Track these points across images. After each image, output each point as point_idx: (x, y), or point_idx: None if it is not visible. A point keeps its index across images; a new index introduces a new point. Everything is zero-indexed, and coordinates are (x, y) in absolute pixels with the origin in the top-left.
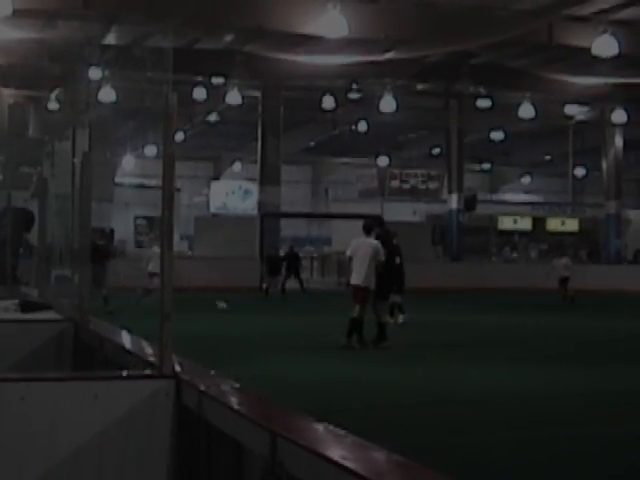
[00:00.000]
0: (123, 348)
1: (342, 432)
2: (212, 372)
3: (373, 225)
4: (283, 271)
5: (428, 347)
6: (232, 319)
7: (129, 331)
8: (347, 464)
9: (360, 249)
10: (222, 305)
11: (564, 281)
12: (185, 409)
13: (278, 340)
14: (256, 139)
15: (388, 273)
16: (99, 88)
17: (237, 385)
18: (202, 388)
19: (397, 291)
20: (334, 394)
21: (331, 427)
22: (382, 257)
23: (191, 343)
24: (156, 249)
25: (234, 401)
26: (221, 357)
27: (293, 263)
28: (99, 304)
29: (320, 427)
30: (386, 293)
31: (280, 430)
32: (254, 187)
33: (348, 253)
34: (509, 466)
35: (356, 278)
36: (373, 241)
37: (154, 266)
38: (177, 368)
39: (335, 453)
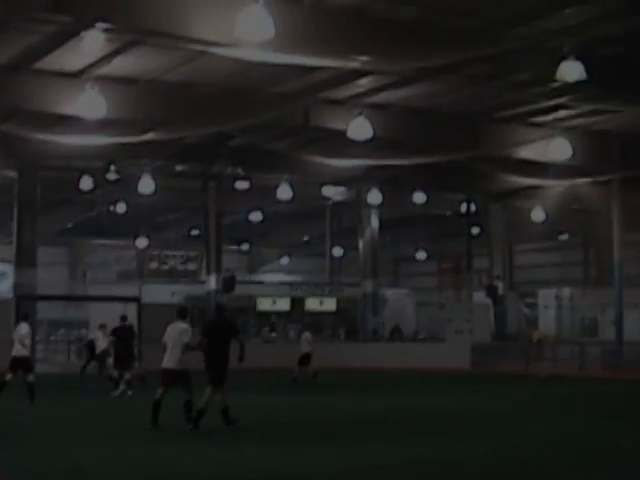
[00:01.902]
0: None
1: None
2: None
3: (187, 310)
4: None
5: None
6: None
7: None
8: None
9: (172, 333)
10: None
11: (306, 358)
12: None
13: (32, 428)
14: (12, 220)
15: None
16: None
17: None
18: None
19: None
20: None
21: None
22: (189, 340)
23: None
24: None
25: None
26: None
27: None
28: None
29: None
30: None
31: None
32: (10, 269)
33: (164, 339)
34: None
35: (168, 362)
36: (183, 325)
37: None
38: None
39: None
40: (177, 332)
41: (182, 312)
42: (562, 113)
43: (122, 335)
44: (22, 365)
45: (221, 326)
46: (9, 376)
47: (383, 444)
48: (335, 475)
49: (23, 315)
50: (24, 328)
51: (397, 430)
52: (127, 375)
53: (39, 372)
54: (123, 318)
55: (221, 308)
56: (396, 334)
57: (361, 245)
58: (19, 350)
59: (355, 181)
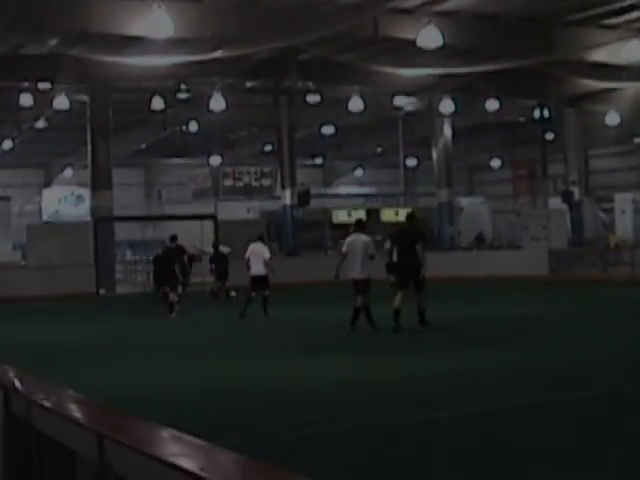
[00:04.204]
0: None
1: (172, 431)
2: (43, 380)
3: (365, 222)
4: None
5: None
6: (69, 327)
7: None
8: (174, 461)
9: (355, 245)
10: (233, 294)
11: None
12: (14, 419)
13: (114, 346)
14: (86, 143)
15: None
16: None
17: (65, 392)
18: (31, 397)
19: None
20: (171, 396)
21: (161, 426)
22: (372, 251)
23: (26, 353)
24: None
25: (62, 407)
26: (56, 365)
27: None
28: None
29: (149, 427)
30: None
31: (106, 432)
32: (86, 192)
33: (344, 249)
34: (342, 458)
35: (355, 272)
36: (365, 237)
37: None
38: (8, 378)
39: (163, 451)
40: (360, 244)
41: (360, 224)
42: (635, 14)
43: (170, 256)
44: (261, 283)
45: (408, 234)
46: (252, 293)
47: (454, 351)
48: (418, 378)
49: (259, 235)
50: (262, 248)
51: (472, 337)
52: (173, 296)
53: (120, 292)
54: (173, 238)
55: (412, 216)
56: (479, 242)
57: (435, 155)
58: (259, 269)
59: (427, 90)
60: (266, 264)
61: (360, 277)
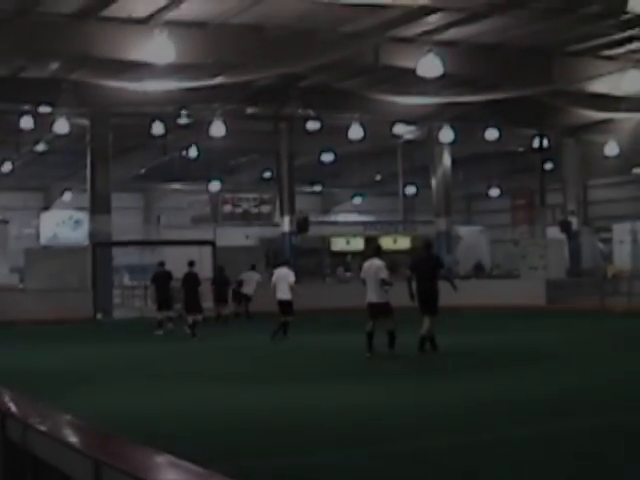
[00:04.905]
0: None
1: (168, 457)
2: (38, 405)
3: (380, 248)
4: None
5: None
6: (65, 351)
7: None
8: None
9: (369, 270)
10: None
11: None
12: (10, 443)
13: (111, 371)
14: (86, 167)
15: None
16: None
17: (62, 417)
18: (27, 421)
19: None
20: (170, 422)
21: (156, 452)
22: (384, 275)
23: (22, 377)
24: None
25: (58, 432)
26: (52, 390)
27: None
28: None
29: (145, 453)
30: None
31: (103, 457)
32: (85, 216)
33: (362, 275)
34: None
35: (370, 296)
36: (378, 262)
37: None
38: (4, 402)
39: (159, 478)
40: (374, 269)
41: (377, 250)
42: (635, 45)
43: (189, 280)
44: (284, 308)
45: (428, 260)
46: (282, 318)
47: (454, 379)
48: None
49: (284, 260)
50: (287, 272)
51: (471, 365)
52: (191, 319)
53: (117, 317)
54: (191, 264)
55: (429, 245)
56: (477, 271)
57: (434, 183)
58: (284, 293)
59: (426, 119)
60: (291, 288)
61: (377, 301)
